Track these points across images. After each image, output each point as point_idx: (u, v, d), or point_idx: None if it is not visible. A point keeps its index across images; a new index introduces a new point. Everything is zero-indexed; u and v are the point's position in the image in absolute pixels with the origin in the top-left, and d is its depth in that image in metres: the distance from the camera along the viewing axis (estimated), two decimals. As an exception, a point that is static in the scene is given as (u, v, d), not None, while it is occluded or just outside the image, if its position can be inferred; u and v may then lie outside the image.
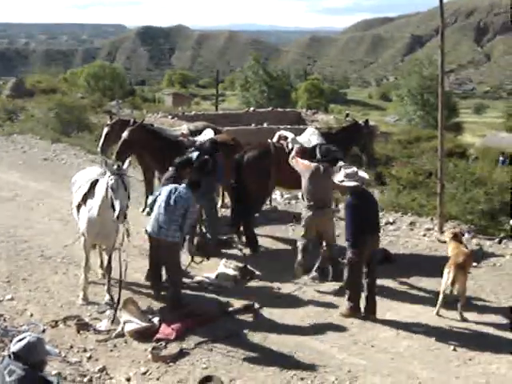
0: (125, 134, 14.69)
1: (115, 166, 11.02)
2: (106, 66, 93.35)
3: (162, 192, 11.91)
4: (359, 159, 16.88)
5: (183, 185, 11.92)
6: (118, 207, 10.71)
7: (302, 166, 13.31)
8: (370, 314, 11.42)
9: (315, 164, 13.14)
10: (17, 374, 5.92)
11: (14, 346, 6.11)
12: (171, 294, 11.85)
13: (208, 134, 15.98)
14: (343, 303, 11.68)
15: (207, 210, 14.40)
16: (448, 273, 11.27)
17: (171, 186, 11.92)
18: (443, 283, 11.36)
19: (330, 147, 14.57)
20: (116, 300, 11.28)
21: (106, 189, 10.97)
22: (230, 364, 9.87)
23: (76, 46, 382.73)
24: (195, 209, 12.27)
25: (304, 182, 13.02)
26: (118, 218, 10.74)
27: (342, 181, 11.63)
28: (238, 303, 11.85)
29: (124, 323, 10.73)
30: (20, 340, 6.14)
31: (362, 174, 11.86)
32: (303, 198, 13.28)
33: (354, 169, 11.79)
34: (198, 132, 16.38)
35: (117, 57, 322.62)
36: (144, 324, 10.72)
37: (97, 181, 11.58)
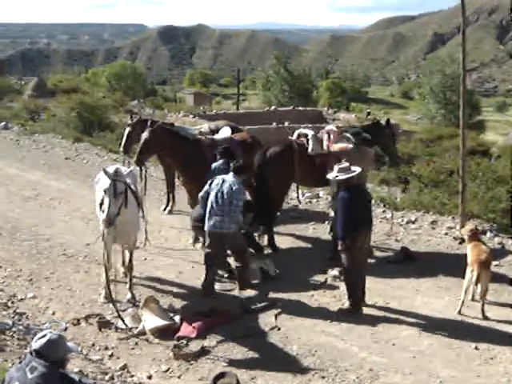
0: (145, 135, 14.73)
1: (112, 171, 11.11)
2: (128, 65, 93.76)
3: (212, 186, 12.16)
4: (382, 158, 16.86)
5: (230, 175, 12.14)
6: (105, 212, 10.89)
7: None
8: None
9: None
10: (38, 370, 5.94)
11: (36, 343, 6.13)
12: (242, 276, 12.39)
13: (225, 133, 16.01)
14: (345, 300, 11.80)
15: None
16: (471, 271, 11.22)
17: (219, 179, 12.18)
18: (466, 281, 11.32)
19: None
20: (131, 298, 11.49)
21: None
22: (251, 362, 9.89)
23: (97, 45, 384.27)
24: (242, 198, 12.38)
25: None
26: (103, 222, 10.89)
27: (336, 176, 11.85)
28: (259, 302, 11.88)
29: (145, 321, 10.76)
30: (41, 337, 6.16)
31: (355, 168, 11.95)
32: None
33: (347, 164, 12.01)
34: (218, 131, 16.41)
35: (138, 56, 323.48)
36: (165, 322, 10.75)
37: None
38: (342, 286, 12.15)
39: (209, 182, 12.42)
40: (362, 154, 13.92)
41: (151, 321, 10.74)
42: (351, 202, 11.41)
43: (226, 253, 12.96)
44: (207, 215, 12.05)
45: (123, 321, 10.88)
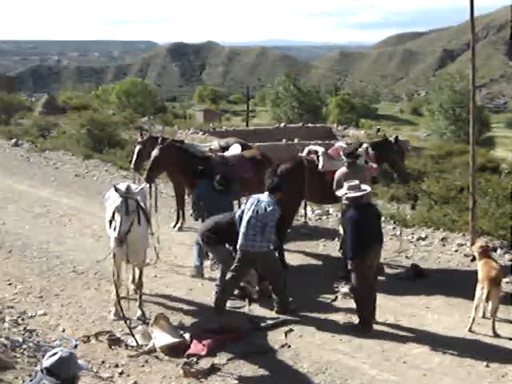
0: (155, 152, 14.77)
1: (124, 189, 11.12)
2: (138, 82, 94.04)
3: (247, 205, 12.23)
4: (391, 175, 16.86)
5: (265, 194, 12.18)
6: (116, 230, 10.87)
7: None
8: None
9: None
10: (49, 388, 5.94)
11: (46, 362, 6.12)
12: (280, 300, 12.22)
13: (235, 150, 16.04)
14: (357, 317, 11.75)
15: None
16: (482, 288, 11.19)
17: (254, 198, 12.21)
18: (476, 299, 11.28)
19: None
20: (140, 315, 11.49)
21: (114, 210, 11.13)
22: (261, 380, 9.85)
23: (107, 62, 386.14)
24: (275, 219, 12.37)
25: None
26: (115, 240, 10.88)
27: (346, 193, 11.81)
28: (269, 319, 11.86)
29: (155, 339, 10.75)
30: (52, 355, 6.14)
31: (365, 187, 11.97)
32: None
33: (357, 182, 12.01)
34: (228, 148, 16.45)
35: (148, 73, 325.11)
36: (175, 339, 10.74)
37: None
38: (353, 304, 12.12)
39: (245, 201, 12.53)
40: (356, 173, 13.80)
41: (161, 338, 10.72)
42: (360, 220, 11.36)
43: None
44: (241, 234, 12.07)
45: (134, 338, 10.88)
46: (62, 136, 34.12)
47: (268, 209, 11.90)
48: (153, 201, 15.35)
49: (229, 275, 12.25)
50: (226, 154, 15.85)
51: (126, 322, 11.07)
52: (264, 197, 12.13)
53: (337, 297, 12.94)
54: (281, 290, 12.24)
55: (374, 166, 15.04)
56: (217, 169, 14.85)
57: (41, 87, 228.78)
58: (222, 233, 12.64)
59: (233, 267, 12.22)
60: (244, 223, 12.01)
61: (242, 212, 12.28)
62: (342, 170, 14.04)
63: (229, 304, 12.49)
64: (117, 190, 11.09)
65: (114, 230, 11.00)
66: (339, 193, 12.22)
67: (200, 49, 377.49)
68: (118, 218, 10.92)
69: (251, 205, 12.07)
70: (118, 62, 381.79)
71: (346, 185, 12.00)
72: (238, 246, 12.12)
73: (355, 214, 11.47)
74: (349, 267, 11.50)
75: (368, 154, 15.19)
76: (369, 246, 11.38)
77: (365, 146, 15.44)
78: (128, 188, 11.18)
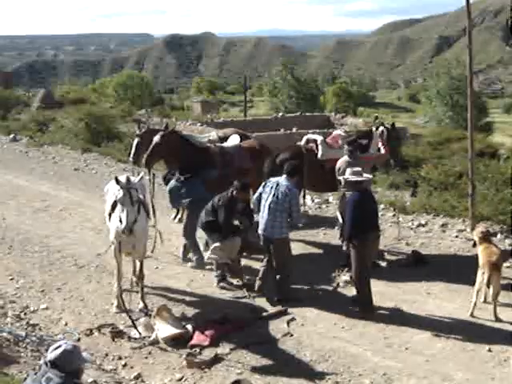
0: (156, 138, 14.73)
1: (124, 180, 11.09)
2: (134, 75, 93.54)
3: (264, 190, 12.28)
4: (388, 162, 16.84)
5: (283, 178, 12.23)
6: (124, 221, 10.84)
7: None
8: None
9: None
10: (54, 381, 5.93)
11: (51, 354, 6.13)
12: (282, 287, 12.29)
13: (234, 140, 16.03)
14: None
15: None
16: (482, 273, 11.22)
17: (273, 182, 12.28)
18: (477, 284, 11.31)
19: None
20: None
21: (115, 202, 11.11)
22: (264, 369, 9.88)
23: (104, 56, 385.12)
24: (298, 199, 12.48)
25: None
26: (123, 231, 10.85)
27: (347, 178, 11.98)
28: (271, 308, 11.88)
29: (158, 330, 10.78)
30: (56, 348, 6.16)
31: (366, 174, 12.22)
32: None
33: (359, 168, 12.16)
34: (227, 138, 16.42)
35: (144, 66, 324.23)
36: (178, 330, 10.76)
37: None
38: (354, 291, 12.13)
39: (262, 184, 12.56)
40: (357, 161, 13.86)
41: (164, 329, 10.75)
42: (360, 202, 11.54)
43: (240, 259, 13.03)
44: (261, 220, 12.21)
45: (137, 330, 10.91)
46: (60, 130, 34.05)
47: (288, 192, 11.98)
48: (150, 187, 15.38)
49: (264, 263, 12.52)
50: (225, 144, 15.84)
51: (127, 315, 11.10)
52: (283, 180, 12.17)
53: (338, 284, 12.96)
54: (285, 279, 12.28)
55: (383, 152, 15.04)
56: (215, 159, 14.86)
57: (38, 82, 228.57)
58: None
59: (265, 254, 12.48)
60: (264, 208, 12.10)
61: (260, 195, 12.36)
62: (344, 158, 14.07)
63: (230, 294, 12.53)
64: (118, 181, 11.07)
65: (121, 221, 10.95)
66: (342, 177, 12.30)
67: (196, 40, 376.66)
68: (123, 209, 10.90)
69: (270, 189, 12.14)
70: (114, 55, 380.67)
71: (349, 170, 12.14)
72: (258, 231, 12.28)
73: (356, 195, 11.66)
74: (345, 248, 11.55)
75: (382, 138, 15.15)
76: (367, 229, 11.49)
77: (381, 128, 15.39)
78: (128, 179, 11.17)
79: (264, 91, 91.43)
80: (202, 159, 14.65)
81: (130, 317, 11.04)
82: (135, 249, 11.66)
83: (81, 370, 6.33)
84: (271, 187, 12.13)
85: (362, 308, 11.62)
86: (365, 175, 12.05)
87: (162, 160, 15.86)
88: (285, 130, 29.40)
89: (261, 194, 12.35)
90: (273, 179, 12.40)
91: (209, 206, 12.96)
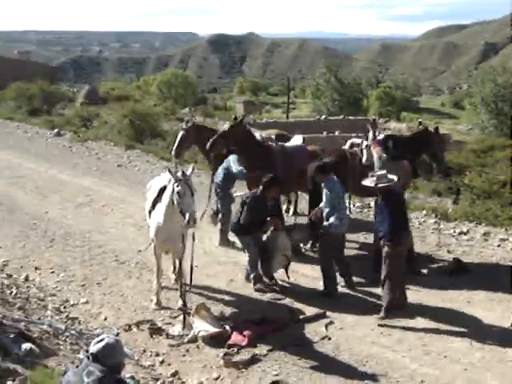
0: (225, 127, 14.53)
1: (179, 173, 11.04)
2: (179, 73, 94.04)
3: (335, 189, 12.61)
4: (430, 167, 16.73)
5: (333, 176, 12.65)
6: (187, 213, 10.76)
7: None
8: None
9: None
10: (95, 375, 5.99)
11: (93, 348, 6.18)
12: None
13: (297, 141, 15.95)
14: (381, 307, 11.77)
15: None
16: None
17: (334, 181, 12.66)
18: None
19: None
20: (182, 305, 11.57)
21: (172, 196, 11.04)
22: (301, 372, 9.87)
23: (148, 53, 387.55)
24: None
25: None
26: (188, 223, 10.76)
27: (377, 184, 11.84)
28: (309, 311, 11.86)
29: (196, 328, 10.81)
30: (99, 341, 6.21)
31: (391, 176, 12.02)
32: None
33: (384, 171, 12.18)
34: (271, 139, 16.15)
35: (189, 65, 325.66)
36: (216, 329, 10.78)
37: (165, 187, 11.53)
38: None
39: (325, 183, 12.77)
40: (396, 166, 13.80)
41: (202, 328, 10.79)
42: (394, 206, 11.59)
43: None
44: (331, 219, 12.45)
45: (185, 322, 11.02)
46: (104, 126, 34.25)
47: (328, 192, 12.46)
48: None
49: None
50: (287, 144, 15.65)
51: (182, 307, 11.37)
52: (336, 178, 12.60)
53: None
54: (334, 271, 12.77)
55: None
56: (275, 158, 14.71)
57: (82, 78, 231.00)
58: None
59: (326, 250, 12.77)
60: (332, 207, 12.43)
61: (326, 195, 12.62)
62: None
63: (269, 295, 12.52)
64: (173, 174, 11.02)
65: (182, 214, 10.77)
66: (368, 183, 12.13)
67: (241, 40, 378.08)
68: (182, 201, 10.77)
69: (336, 188, 12.54)
70: (158, 53, 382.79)
71: (375, 175, 12.10)
72: (325, 229, 12.49)
73: (392, 199, 11.72)
74: (387, 250, 11.45)
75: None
76: (403, 228, 11.63)
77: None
78: (183, 172, 11.07)
79: (307, 93, 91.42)
80: (265, 157, 14.45)
81: (183, 310, 11.16)
82: (176, 245, 11.65)
83: (122, 365, 6.38)
84: (336, 186, 12.65)
85: (386, 306, 11.59)
86: (390, 177, 11.93)
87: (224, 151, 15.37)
88: (327, 133, 29.33)
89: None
90: (331, 178, 12.72)
91: (238, 205, 12.98)
